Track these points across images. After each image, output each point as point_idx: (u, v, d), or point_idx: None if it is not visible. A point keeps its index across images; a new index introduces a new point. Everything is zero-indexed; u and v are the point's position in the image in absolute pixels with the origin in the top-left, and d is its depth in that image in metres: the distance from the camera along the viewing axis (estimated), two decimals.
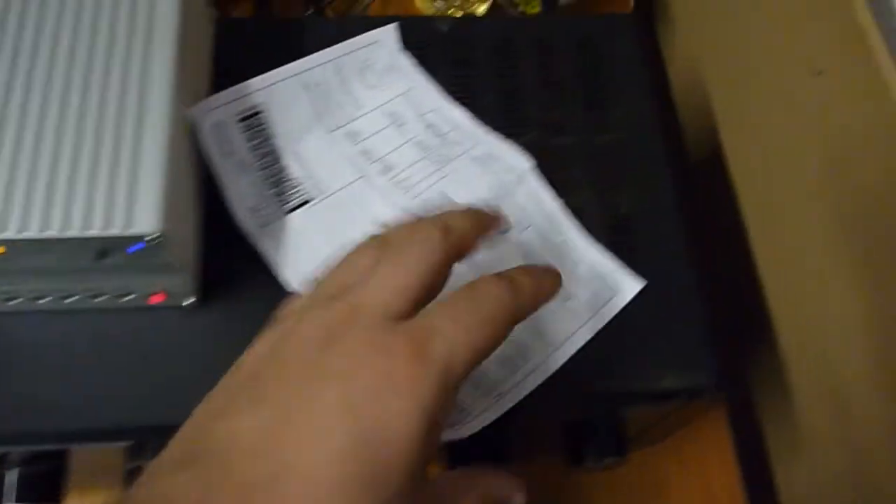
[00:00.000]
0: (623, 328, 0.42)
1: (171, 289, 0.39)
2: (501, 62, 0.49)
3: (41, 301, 0.40)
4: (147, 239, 0.34)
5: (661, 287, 0.43)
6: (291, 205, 0.43)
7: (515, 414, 0.42)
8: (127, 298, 0.40)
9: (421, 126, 0.46)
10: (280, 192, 0.43)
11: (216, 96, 0.43)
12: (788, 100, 0.53)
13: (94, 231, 0.34)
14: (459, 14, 0.67)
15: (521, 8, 0.66)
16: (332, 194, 0.43)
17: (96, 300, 0.40)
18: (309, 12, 0.65)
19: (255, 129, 0.44)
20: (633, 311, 0.42)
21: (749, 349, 0.60)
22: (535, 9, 0.65)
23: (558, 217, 0.44)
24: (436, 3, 0.66)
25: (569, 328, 0.41)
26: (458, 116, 0.46)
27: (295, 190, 0.43)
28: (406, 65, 0.48)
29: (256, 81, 0.45)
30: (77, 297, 0.40)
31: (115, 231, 0.34)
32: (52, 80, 0.37)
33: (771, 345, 0.55)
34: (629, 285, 0.43)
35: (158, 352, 0.40)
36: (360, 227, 0.41)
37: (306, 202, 0.43)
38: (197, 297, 0.40)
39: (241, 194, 0.42)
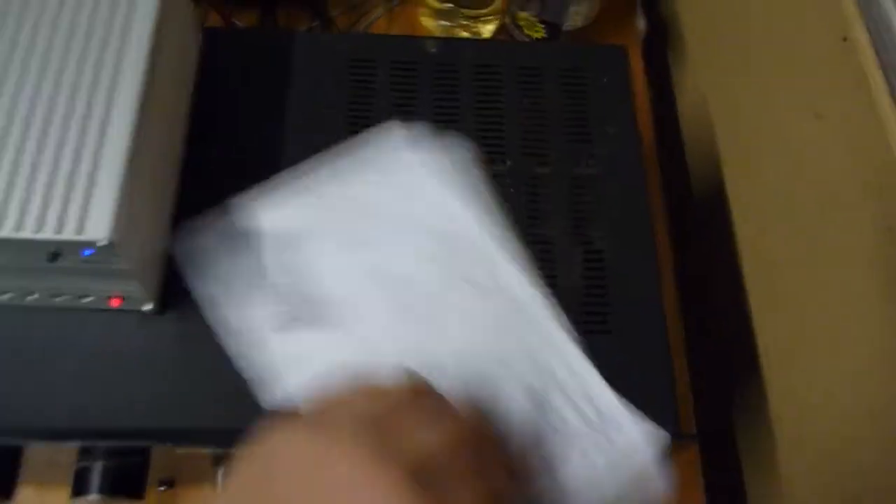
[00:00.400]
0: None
1: (128, 294, 0.39)
2: (487, 86, 0.49)
3: (1, 296, 0.40)
4: (97, 245, 0.34)
5: (628, 329, 0.42)
6: (287, 325, 0.41)
7: None
8: (86, 300, 0.40)
9: (427, 235, 0.43)
10: (275, 311, 0.41)
11: (205, 223, 0.41)
12: (788, 141, 0.53)
13: (47, 234, 0.34)
14: (465, 34, 0.67)
15: (526, 31, 0.66)
16: (332, 315, 0.41)
17: (56, 300, 0.40)
18: (314, 25, 0.65)
19: (250, 247, 0.42)
20: (594, 351, 0.42)
21: (736, 391, 0.59)
22: (540, 34, 0.65)
23: (569, 352, 0.40)
24: (441, 23, 0.66)
25: (581, 476, 0.37)
26: (465, 225, 0.43)
27: (293, 309, 0.41)
28: (414, 163, 0.45)
29: (255, 204, 0.42)
30: (38, 296, 0.40)
31: (66, 236, 0.34)
32: (22, 83, 0.37)
33: (758, 389, 0.54)
34: (648, 436, 0.38)
35: (114, 354, 0.41)
36: (355, 355, 0.39)
37: (304, 322, 0.41)
38: (156, 303, 0.41)
39: (232, 315, 0.40)
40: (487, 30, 0.67)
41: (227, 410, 0.39)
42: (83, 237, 0.34)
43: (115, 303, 0.40)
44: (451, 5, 0.64)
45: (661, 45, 0.72)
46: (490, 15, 0.66)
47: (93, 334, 0.41)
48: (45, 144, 0.36)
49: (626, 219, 0.46)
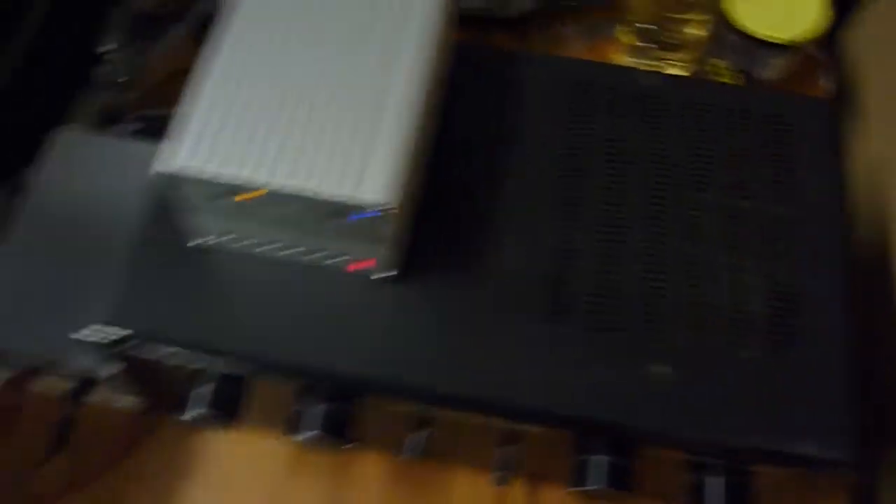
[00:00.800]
0: (774, 388, 0.44)
1: (380, 258, 0.44)
2: (691, 121, 0.52)
3: (260, 248, 0.46)
4: (384, 209, 0.39)
5: (817, 361, 0.45)
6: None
7: (648, 437, 0.44)
8: (335, 260, 0.45)
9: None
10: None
11: None
12: None
13: (342, 196, 0.39)
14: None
15: (718, 78, 0.69)
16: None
17: (307, 257, 0.45)
18: (520, 49, 0.71)
19: None
20: (787, 375, 0.44)
21: (886, 438, 0.60)
22: (733, 81, 0.68)
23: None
24: (634, 60, 0.70)
25: None
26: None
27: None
28: None
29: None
30: (291, 251, 0.45)
31: (360, 198, 0.39)
32: (341, 70, 0.43)
33: None
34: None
35: (347, 309, 0.45)
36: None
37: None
38: (398, 271, 0.45)
39: None
40: (674, 70, 0.71)
41: (449, 374, 0.44)
42: (374, 200, 0.39)
43: (362, 265, 0.45)
44: (650, 45, 0.68)
45: (842, 106, 0.74)
46: (685, 59, 0.69)
47: (331, 288, 0.46)
48: (360, 116, 0.42)
49: (820, 261, 0.48)
